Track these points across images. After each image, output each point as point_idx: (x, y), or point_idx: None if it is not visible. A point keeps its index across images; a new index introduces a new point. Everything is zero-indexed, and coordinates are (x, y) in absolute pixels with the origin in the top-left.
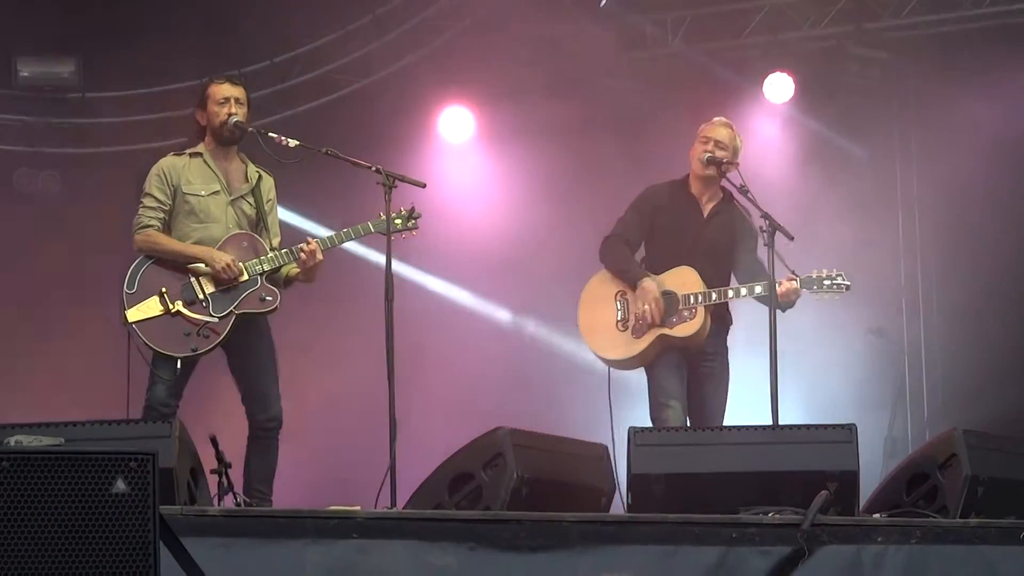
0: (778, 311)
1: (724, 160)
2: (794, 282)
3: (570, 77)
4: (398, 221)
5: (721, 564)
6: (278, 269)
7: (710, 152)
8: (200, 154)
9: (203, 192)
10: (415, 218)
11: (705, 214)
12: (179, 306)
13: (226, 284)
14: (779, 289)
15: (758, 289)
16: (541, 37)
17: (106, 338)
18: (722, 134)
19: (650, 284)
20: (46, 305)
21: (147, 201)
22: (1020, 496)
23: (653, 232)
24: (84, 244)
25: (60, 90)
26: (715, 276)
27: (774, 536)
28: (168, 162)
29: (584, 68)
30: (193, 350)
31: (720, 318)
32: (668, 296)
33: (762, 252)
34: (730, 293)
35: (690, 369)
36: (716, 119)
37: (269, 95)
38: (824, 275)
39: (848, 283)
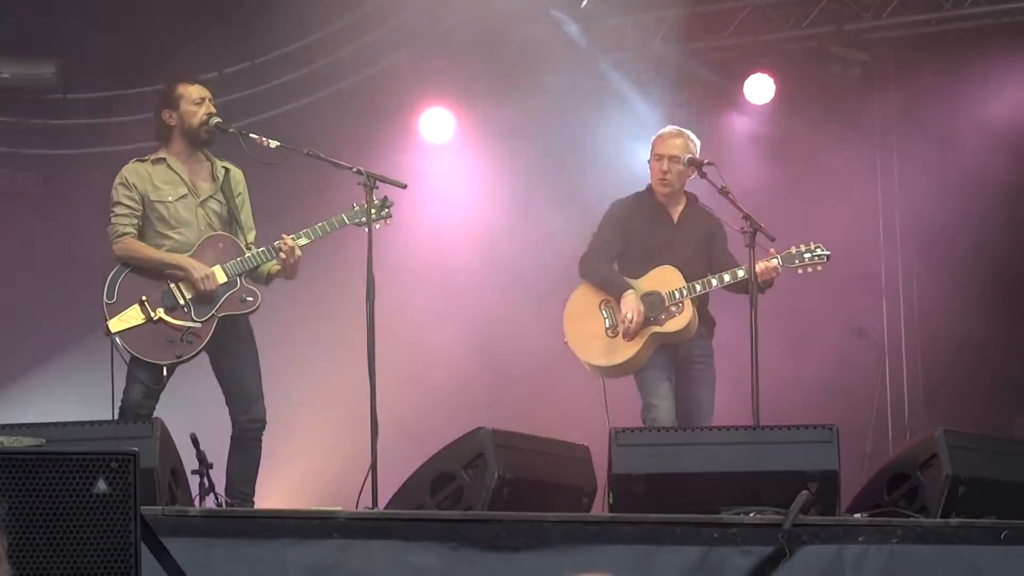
0: (758, 293)
1: (704, 162)
2: (774, 260)
3: (551, 78)
4: (372, 211)
5: (702, 564)
6: (257, 268)
7: (666, 171)
8: (164, 159)
9: (171, 198)
10: (388, 207)
11: (675, 219)
12: (161, 313)
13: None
14: (758, 268)
15: (740, 273)
16: (522, 38)
17: (88, 340)
18: (675, 146)
19: (631, 297)
20: (27, 307)
21: (118, 209)
22: (1001, 496)
23: (627, 244)
24: (65, 246)
25: (40, 91)
26: (693, 277)
27: (755, 536)
28: (131, 169)
29: (565, 68)
30: (178, 356)
31: (704, 320)
32: (653, 296)
33: (738, 251)
34: (713, 282)
35: (679, 372)
36: (666, 131)
37: (249, 96)
38: (803, 249)
39: (828, 252)
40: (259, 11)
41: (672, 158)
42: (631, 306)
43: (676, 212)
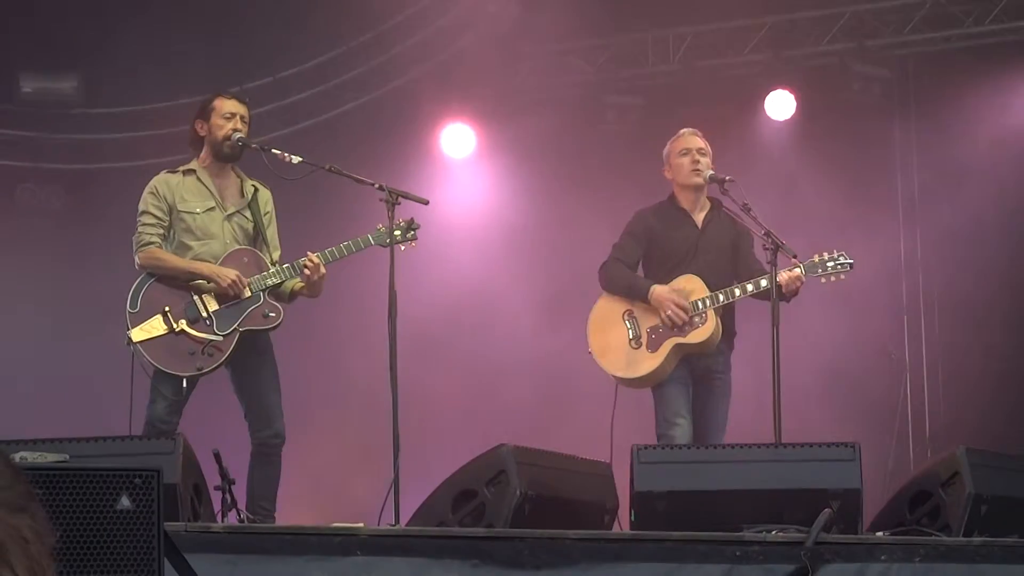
0: (783, 302)
1: (725, 179)
2: (797, 269)
3: (571, 94)
4: (397, 232)
5: None
6: (280, 284)
7: (697, 161)
8: (193, 171)
9: (198, 209)
10: (414, 229)
11: (699, 225)
12: (183, 325)
13: (229, 301)
14: (781, 278)
15: (763, 283)
16: (542, 54)
17: (109, 354)
18: (698, 141)
19: (661, 289)
20: (48, 321)
21: (145, 219)
22: (1023, 515)
23: (651, 251)
24: (86, 260)
25: (62, 106)
26: (719, 283)
27: (777, 554)
28: (161, 179)
29: (586, 85)
30: (198, 369)
31: (727, 331)
32: None
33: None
34: (736, 292)
35: (697, 386)
36: (683, 131)
37: (271, 111)
38: (826, 257)
39: (851, 260)
40: (281, 26)
41: (699, 150)
42: (667, 300)
43: (700, 217)
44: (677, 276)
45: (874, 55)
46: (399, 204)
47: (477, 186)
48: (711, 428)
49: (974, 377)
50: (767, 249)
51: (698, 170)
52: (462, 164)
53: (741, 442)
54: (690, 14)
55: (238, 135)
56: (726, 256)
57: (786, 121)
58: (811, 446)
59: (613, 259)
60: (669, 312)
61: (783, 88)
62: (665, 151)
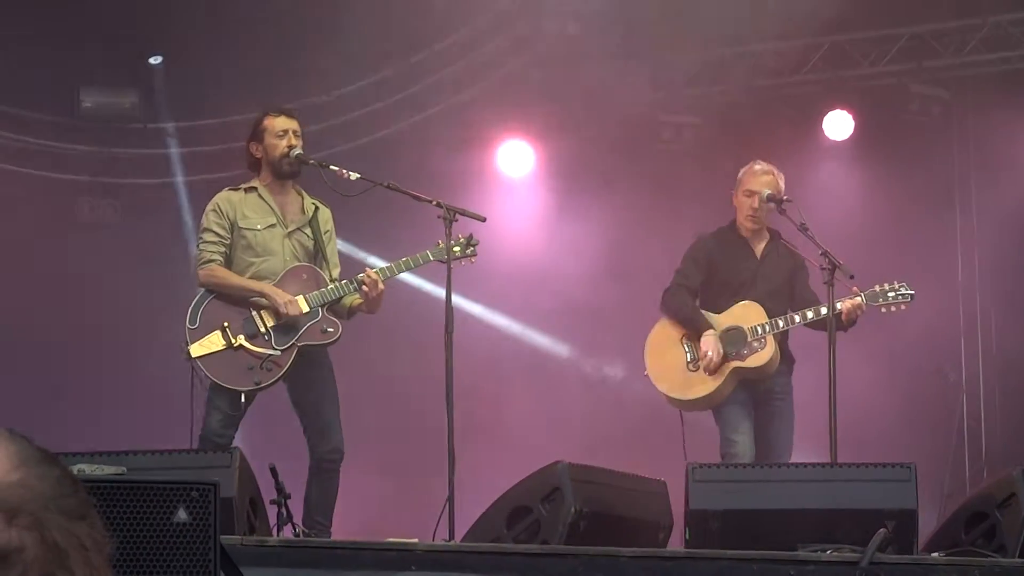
0: (840, 331)
1: (783, 199)
2: (858, 299)
3: (629, 112)
4: (456, 249)
5: None
6: (339, 300)
7: (756, 208)
8: (255, 188)
9: (259, 226)
10: (473, 245)
11: (758, 255)
12: (241, 340)
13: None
14: (843, 307)
15: (823, 311)
16: (600, 72)
17: (168, 368)
18: (766, 183)
19: (711, 336)
20: (107, 335)
21: (206, 236)
22: None
23: (710, 278)
24: (145, 274)
25: (122, 120)
26: (776, 312)
27: (832, 574)
28: (223, 197)
29: (643, 103)
30: (256, 383)
31: (785, 356)
32: (735, 331)
33: (819, 288)
34: (796, 319)
35: (759, 408)
36: (756, 167)
37: (329, 128)
38: (887, 288)
39: (912, 292)
40: (340, 42)
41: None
42: (711, 344)
43: (759, 247)
44: (736, 303)
45: (933, 76)
46: (456, 221)
47: (535, 204)
48: (775, 450)
49: None
50: (824, 269)
51: (755, 217)
52: (520, 182)
53: (797, 461)
54: (748, 33)
55: (296, 151)
56: (784, 287)
57: (844, 141)
58: (867, 466)
59: (676, 285)
60: (708, 353)
61: (841, 108)
62: (739, 176)
